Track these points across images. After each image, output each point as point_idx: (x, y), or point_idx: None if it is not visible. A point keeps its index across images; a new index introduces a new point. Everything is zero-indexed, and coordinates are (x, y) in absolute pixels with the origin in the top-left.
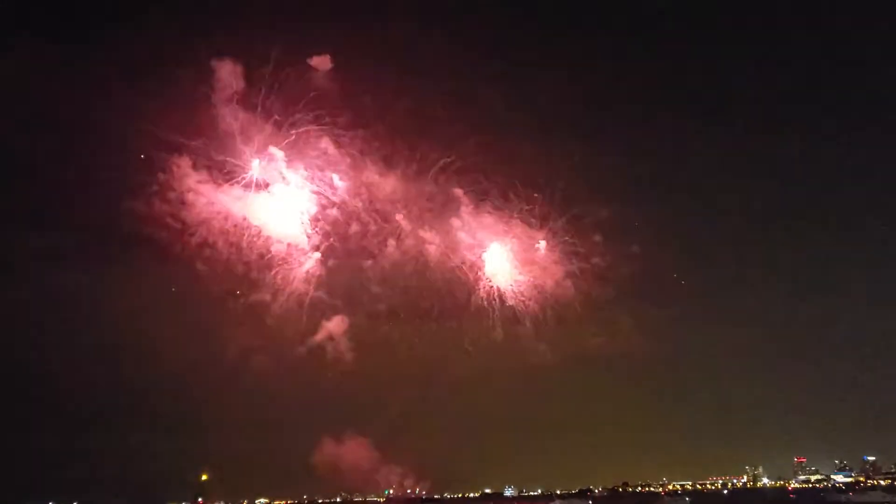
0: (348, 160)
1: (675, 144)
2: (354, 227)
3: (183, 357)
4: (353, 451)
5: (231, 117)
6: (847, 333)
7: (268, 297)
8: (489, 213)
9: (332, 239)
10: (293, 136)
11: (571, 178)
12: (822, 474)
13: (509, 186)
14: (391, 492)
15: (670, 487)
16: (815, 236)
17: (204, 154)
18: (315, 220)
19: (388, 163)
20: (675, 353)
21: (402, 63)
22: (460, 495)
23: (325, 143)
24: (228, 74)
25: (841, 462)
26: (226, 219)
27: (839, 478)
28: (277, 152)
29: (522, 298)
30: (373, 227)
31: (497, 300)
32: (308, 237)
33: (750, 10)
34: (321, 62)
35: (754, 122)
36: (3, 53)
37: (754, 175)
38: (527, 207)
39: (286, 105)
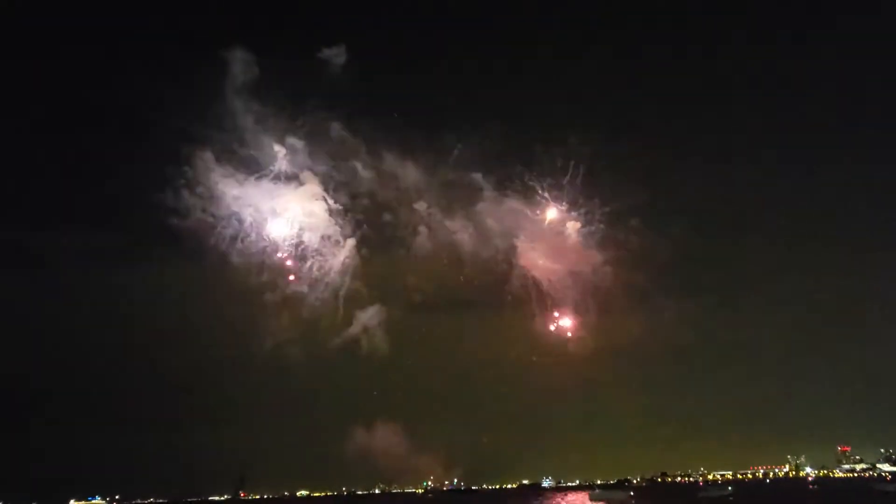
0: (364, 148)
1: (717, 125)
2: (387, 217)
3: (221, 352)
4: (387, 442)
5: (245, 108)
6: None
7: (304, 288)
8: (514, 198)
9: (364, 227)
10: (308, 126)
11: (596, 160)
12: (867, 463)
13: (531, 171)
14: (430, 483)
15: (710, 477)
16: (858, 221)
17: (226, 147)
18: (346, 210)
19: (405, 151)
20: (717, 341)
21: (416, 52)
22: (498, 486)
23: (341, 132)
24: (241, 64)
25: (887, 451)
26: (256, 211)
27: (885, 467)
28: (297, 142)
29: (559, 287)
30: (403, 217)
31: (533, 289)
32: (340, 227)
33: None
34: (335, 53)
35: (799, 104)
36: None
37: (804, 156)
38: (554, 193)
39: (300, 95)
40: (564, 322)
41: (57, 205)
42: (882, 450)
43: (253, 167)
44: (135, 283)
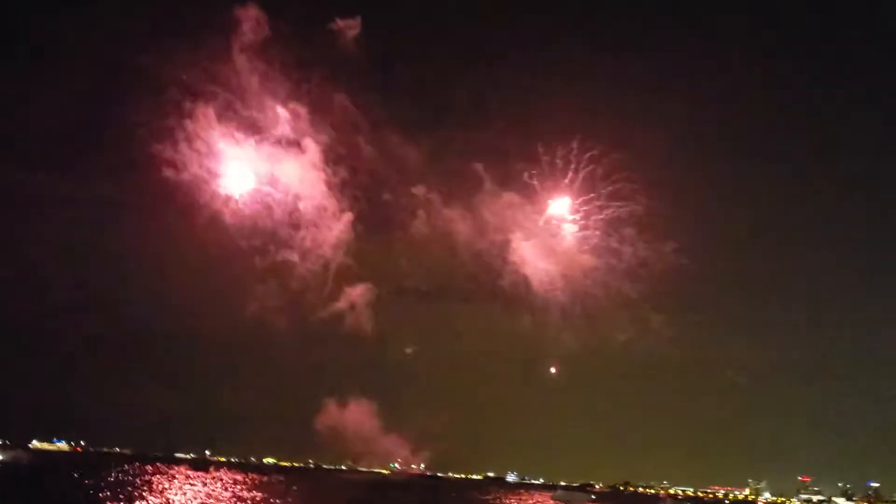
0: (368, 124)
1: (720, 135)
2: (385, 196)
3: (203, 310)
4: (359, 420)
5: (251, 68)
6: (870, 354)
7: (295, 257)
8: (513, 194)
9: (361, 204)
10: (313, 94)
11: (597, 166)
12: (824, 496)
13: (531, 169)
14: (397, 465)
15: (671, 491)
16: (859, 241)
17: (229, 106)
18: (344, 184)
19: (409, 132)
20: (693, 358)
21: (430, 37)
22: (463, 475)
23: (346, 104)
24: (251, 21)
25: (845, 485)
26: (254, 172)
27: (841, 501)
28: (301, 108)
29: (549, 287)
30: (402, 199)
31: (522, 286)
32: (337, 200)
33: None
34: (349, 25)
35: (811, 112)
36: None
37: (809, 171)
38: (553, 193)
39: (308, 61)
40: (549, 321)
41: (52, 150)
42: (840, 484)
43: (254, 129)
44: (122, 233)
